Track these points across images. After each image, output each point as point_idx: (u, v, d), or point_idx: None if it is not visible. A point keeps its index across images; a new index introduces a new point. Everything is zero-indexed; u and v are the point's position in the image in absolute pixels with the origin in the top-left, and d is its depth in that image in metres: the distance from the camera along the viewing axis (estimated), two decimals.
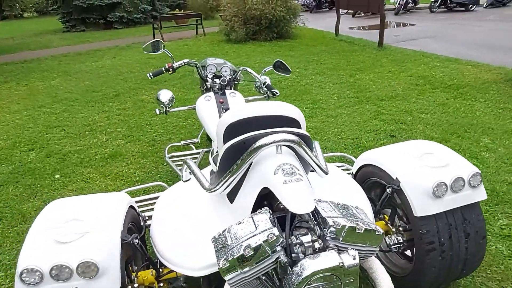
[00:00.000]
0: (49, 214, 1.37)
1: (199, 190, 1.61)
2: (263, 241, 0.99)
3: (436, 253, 1.41)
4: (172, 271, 1.38)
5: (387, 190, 1.51)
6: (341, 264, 0.93)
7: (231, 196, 1.35)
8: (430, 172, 1.42)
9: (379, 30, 7.63)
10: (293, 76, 5.73)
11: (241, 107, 1.32)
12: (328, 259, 0.93)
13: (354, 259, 0.95)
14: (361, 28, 12.01)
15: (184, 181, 1.75)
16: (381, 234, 1.07)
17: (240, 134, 1.30)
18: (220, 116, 2.40)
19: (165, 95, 2.74)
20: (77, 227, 1.26)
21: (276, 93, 2.47)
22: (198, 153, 2.98)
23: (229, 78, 2.64)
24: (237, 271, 0.99)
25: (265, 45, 8.66)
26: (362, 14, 14.99)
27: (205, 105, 2.48)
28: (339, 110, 4.30)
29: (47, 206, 1.46)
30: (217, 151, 1.83)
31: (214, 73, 2.64)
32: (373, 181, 1.70)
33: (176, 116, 4.34)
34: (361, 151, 3.01)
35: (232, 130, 1.31)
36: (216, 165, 1.60)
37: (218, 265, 1.00)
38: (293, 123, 1.34)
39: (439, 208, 1.40)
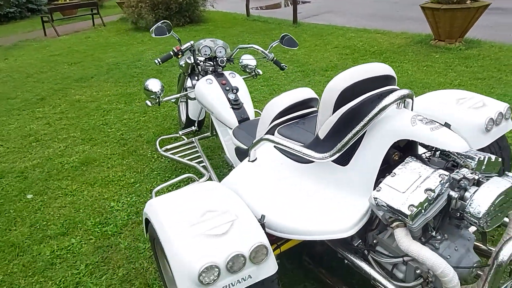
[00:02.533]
0: (167, 214, 1.23)
1: (280, 164, 1.61)
2: (440, 182, 1.10)
3: None
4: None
5: None
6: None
7: (341, 159, 1.40)
8: (477, 112, 1.69)
9: (292, 8, 8.03)
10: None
11: (349, 71, 1.36)
12: (503, 182, 1.09)
13: None
14: (259, 8, 12.40)
15: (251, 161, 1.71)
16: (500, 160, 1.28)
17: (353, 98, 1.35)
18: (227, 98, 2.35)
19: (154, 84, 2.56)
20: (219, 218, 1.18)
21: (285, 67, 2.52)
22: (192, 142, 2.86)
23: (226, 59, 2.58)
24: (421, 214, 1.08)
25: (181, 31, 8.33)
26: None
27: (208, 88, 2.39)
28: (294, 84, 4.50)
29: (149, 208, 1.30)
30: (272, 125, 1.81)
31: (209, 54, 2.54)
32: None
33: (132, 111, 4.00)
34: None
35: (345, 95, 1.35)
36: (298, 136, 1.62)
37: (405, 212, 1.06)
38: (394, 80, 1.44)
39: (489, 140, 1.68)
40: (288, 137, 1.67)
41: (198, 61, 2.61)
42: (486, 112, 1.67)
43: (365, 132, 1.33)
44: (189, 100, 3.00)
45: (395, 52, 5.39)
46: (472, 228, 1.38)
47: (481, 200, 1.07)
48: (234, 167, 2.22)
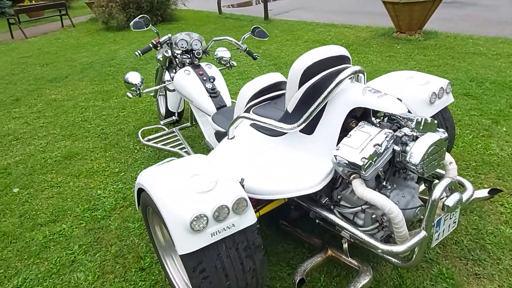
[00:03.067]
0: (160, 180, 1.40)
1: (255, 139, 1.82)
2: (385, 138, 1.33)
3: None
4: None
5: None
6: (443, 137, 1.34)
7: (307, 129, 1.61)
8: (423, 88, 1.95)
9: (263, 5, 8.25)
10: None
11: (309, 53, 1.58)
12: (434, 136, 1.33)
13: (444, 133, 1.37)
14: (230, 6, 12.56)
15: (230, 139, 1.91)
16: (436, 122, 1.53)
17: (314, 76, 1.57)
18: (205, 87, 2.53)
19: (134, 77, 2.69)
20: (205, 179, 1.36)
21: (257, 56, 2.72)
22: (173, 132, 3.02)
23: (202, 51, 2.75)
24: (372, 165, 1.31)
25: None
26: None
27: (187, 79, 2.56)
28: None
29: (142, 178, 1.47)
30: (242, 109, 2.00)
31: (185, 47, 2.71)
32: None
33: (111, 107, 4.10)
34: None
35: (307, 73, 1.56)
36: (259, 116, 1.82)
37: (358, 163, 1.29)
38: (348, 59, 1.67)
39: (433, 111, 1.94)
40: (262, 115, 1.88)
41: (176, 54, 2.77)
42: (430, 88, 1.94)
43: (326, 104, 1.56)
44: (167, 93, 3.15)
45: (361, 45, 5.72)
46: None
47: (417, 150, 1.31)
48: None
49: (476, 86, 3.71)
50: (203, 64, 2.70)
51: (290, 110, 1.64)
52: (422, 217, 1.43)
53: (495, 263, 1.73)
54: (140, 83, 2.69)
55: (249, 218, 1.32)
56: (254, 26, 2.66)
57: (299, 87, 1.58)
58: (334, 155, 1.38)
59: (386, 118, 1.50)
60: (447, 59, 4.69)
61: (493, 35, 5.60)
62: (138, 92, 2.70)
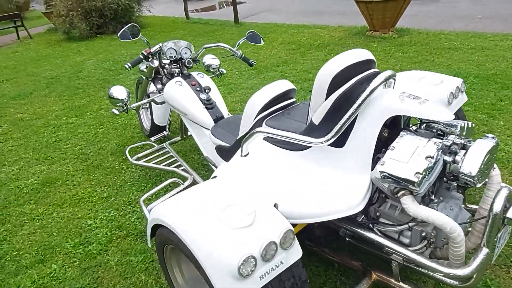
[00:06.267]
0: (186, 214, 1.21)
1: (274, 155, 1.66)
2: (437, 149, 1.22)
3: None
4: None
5: None
6: (495, 144, 1.25)
7: (337, 142, 1.48)
8: (439, 88, 1.88)
9: (231, 9, 8.10)
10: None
11: (336, 59, 1.44)
12: (487, 143, 1.23)
13: (494, 138, 1.28)
14: (195, 11, 12.31)
15: (244, 156, 1.74)
16: (473, 126, 1.44)
17: (343, 83, 1.43)
18: (199, 98, 2.35)
19: (119, 91, 2.47)
20: (240, 210, 1.19)
21: (254, 63, 2.56)
22: (163, 147, 2.80)
23: (192, 59, 2.56)
24: (425, 179, 1.20)
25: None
26: None
27: (179, 90, 2.37)
28: (250, 81, 4.57)
29: (159, 213, 1.27)
30: (247, 129, 1.85)
31: (174, 57, 2.51)
32: None
33: (87, 124, 3.78)
34: None
35: (335, 81, 1.42)
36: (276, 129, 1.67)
37: (412, 180, 1.17)
38: (374, 63, 1.56)
39: (452, 111, 1.88)
40: (278, 128, 1.72)
41: (163, 64, 2.56)
42: (445, 87, 1.87)
43: (357, 113, 1.43)
44: (153, 105, 2.92)
45: (337, 44, 5.70)
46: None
47: (472, 160, 1.21)
48: (216, 166, 2.22)
49: None
50: (194, 74, 2.51)
51: (316, 121, 1.50)
52: (469, 228, 1.33)
53: None
54: (126, 98, 2.46)
55: (296, 251, 1.16)
56: (249, 31, 2.50)
57: (327, 96, 1.44)
58: (380, 171, 1.25)
59: (424, 125, 1.39)
60: (425, 55, 4.75)
61: (460, 29, 5.78)
62: (125, 108, 2.47)
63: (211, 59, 2.84)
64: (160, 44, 2.44)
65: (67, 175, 2.90)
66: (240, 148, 1.70)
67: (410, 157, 1.23)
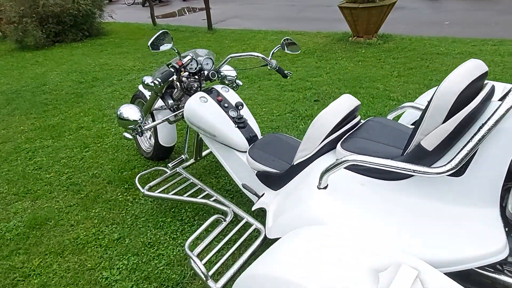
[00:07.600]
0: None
1: (363, 186, 1.39)
2: None
3: None
4: None
5: None
6: None
7: (456, 170, 1.24)
8: None
9: (205, 14, 7.73)
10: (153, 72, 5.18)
11: (460, 71, 1.20)
12: None
13: None
14: (157, 17, 11.76)
15: (322, 188, 1.45)
16: None
17: (467, 101, 1.20)
18: (228, 116, 2.04)
19: (131, 112, 2.09)
20: (401, 278, 0.90)
21: (289, 73, 2.27)
22: (177, 173, 2.42)
23: (215, 72, 2.23)
24: None
25: (82, 47, 7.30)
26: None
27: (204, 108, 2.03)
28: (246, 91, 4.27)
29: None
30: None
31: (195, 69, 2.16)
32: None
33: (68, 147, 3.25)
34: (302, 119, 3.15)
35: (459, 100, 1.18)
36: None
37: None
38: (486, 75, 1.34)
39: None
40: (361, 153, 1.45)
41: (181, 78, 2.20)
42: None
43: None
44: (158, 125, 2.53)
45: (325, 51, 5.57)
46: None
47: None
48: (258, 195, 1.91)
49: None
50: (217, 87, 2.19)
51: (429, 147, 1.24)
52: None
53: None
54: (141, 119, 2.07)
55: None
56: (284, 38, 2.20)
57: (447, 117, 1.20)
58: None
59: None
60: (417, 60, 4.74)
61: (435, 35, 5.91)
62: (139, 130, 2.07)
63: (227, 70, 2.52)
64: (192, 55, 2.08)
65: (60, 212, 2.41)
66: (298, 177, 1.42)
67: None
